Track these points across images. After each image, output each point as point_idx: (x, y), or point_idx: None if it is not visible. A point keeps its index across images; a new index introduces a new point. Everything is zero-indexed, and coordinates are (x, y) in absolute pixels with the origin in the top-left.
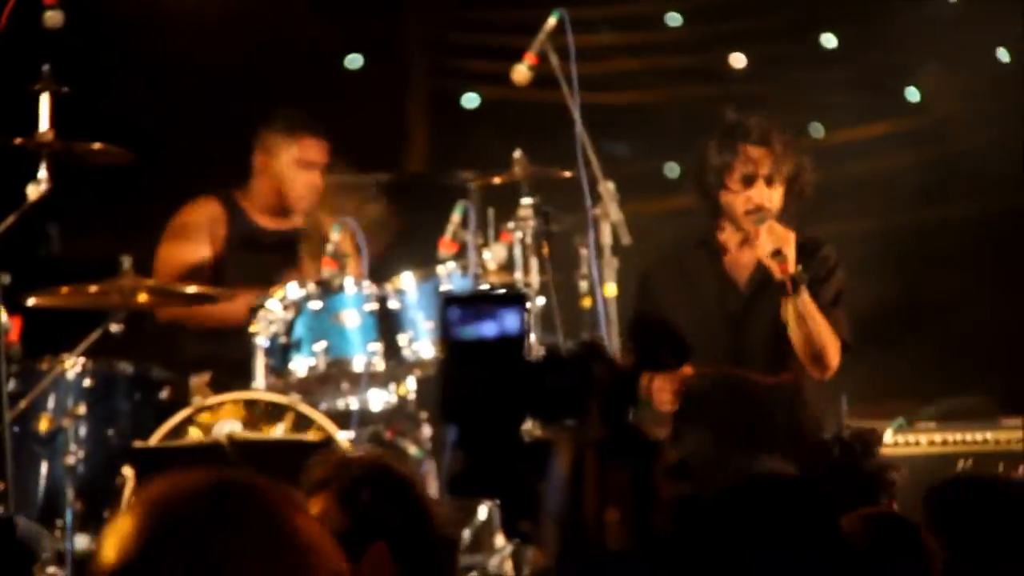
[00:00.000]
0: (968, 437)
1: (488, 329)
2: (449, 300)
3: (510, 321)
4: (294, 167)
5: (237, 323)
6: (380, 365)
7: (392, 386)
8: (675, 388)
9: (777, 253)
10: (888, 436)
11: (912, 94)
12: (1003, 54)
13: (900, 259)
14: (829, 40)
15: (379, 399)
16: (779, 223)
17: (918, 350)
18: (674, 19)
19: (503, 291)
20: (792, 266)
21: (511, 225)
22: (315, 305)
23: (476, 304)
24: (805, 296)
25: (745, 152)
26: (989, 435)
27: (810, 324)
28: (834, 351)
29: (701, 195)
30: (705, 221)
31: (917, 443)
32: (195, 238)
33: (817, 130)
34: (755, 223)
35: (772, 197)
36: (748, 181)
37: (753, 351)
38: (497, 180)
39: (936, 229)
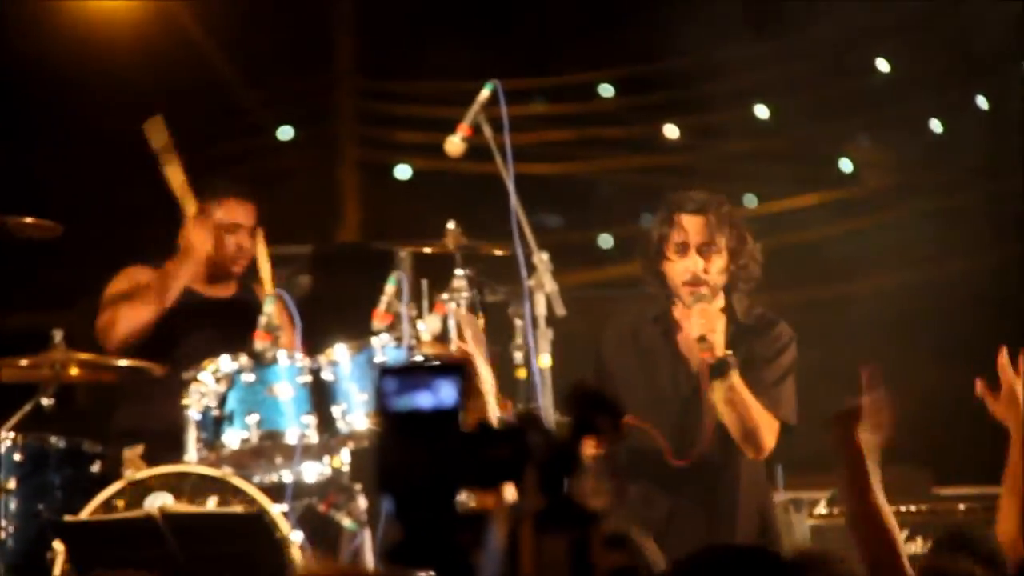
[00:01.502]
0: (902, 508)
1: (424, 400)
2: (385, 371)
3: (446, 392)
4: (220, 230)
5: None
6: (314, 437)
7: (326, 458)
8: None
9: (702, 339)
10: (822, 507)
11: (845, 164)
12: (936, 125)
13: (832, 328)
14: (762, 111)
15: (313, 471)
16: (726, 297)
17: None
18: (607, 90)
19: (439, 362)
20: (719, 350)
21: (445, 296)
22: (248, 377)
23: (412, 375)
24: (733, 381)
25: (680, 222)
26: (924, 506)
27: (739, 408)
28: (768, 432)
29: (646, 269)
30: (660, 297)
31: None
32: (133, 301)
33: (751, 200)
34: (691, 302)
35: (710, 269)
36: (682, 250)
37: (703, 431)
38: (430, 250)
39: (868, 298)
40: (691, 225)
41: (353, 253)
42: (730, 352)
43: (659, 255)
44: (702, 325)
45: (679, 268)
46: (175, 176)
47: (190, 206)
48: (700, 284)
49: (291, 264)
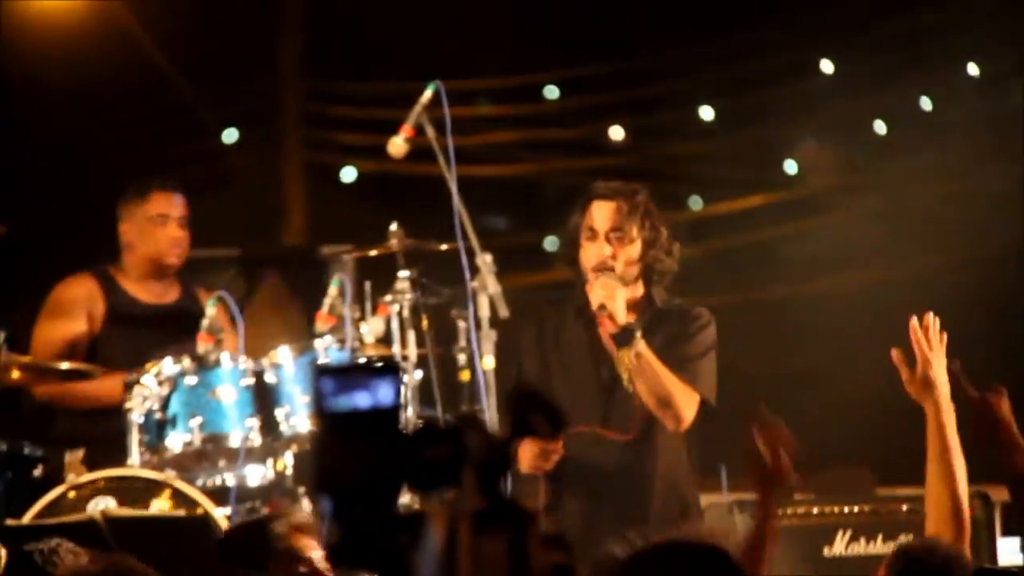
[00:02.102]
0: (846, 509)
1: (362, 400)
2: (322, 371)
3: (384, 392)
4: (150, 224)
5: (113, 402)
6: (257, 440)
7: (270, 461)
8: (537, 450)
9: (601, 308)
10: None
11: (790, 166)
12: (880, 126)
13: (776, 330)
14: (707, 112)
15: (256, 474)
16: (644, 286)
17: (795, 421)
18: (552, 91)
19: (377, 362)
20: (621, 316)
21: (388, 298)
22: (190, 380)
23: (349, 375)
24: (640, 348)
25: (591, 208)
26: (867, 507)
27: (649, 376)
28: (686, 404)
29: (564, 256)
30: (579, 288)
31: (795, 515)
32: (72, 315)
33: (696, 202)
34: (595, 279)
35: (618, 255)
36: (591, 235)
37: (624, 417)
38: (373, 253)
39: (811, 300)
40: (600, 211)
41: (297, 255)
42: (633, 320)
43: (574, 242)
44: (602, 296)
45: (589, 253)
46: None
47: None
48: (607, 269)
49: (227, 266)
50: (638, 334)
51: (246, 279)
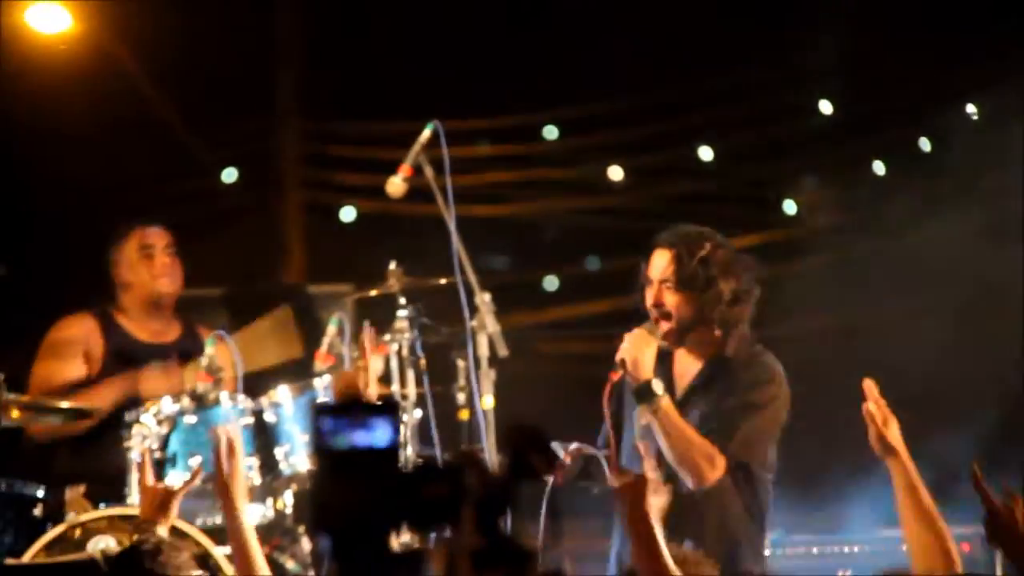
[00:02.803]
0: (847, 548)
1: (360, 438)
2: (321, 409)
3: (382, 430)
4: (138, 258)
5: (104, 413)
6: (256, 479)
7: (269, 500)
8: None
9: (621, 362)
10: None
11: (789, 206)
12: (879, 166)
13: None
14: (706, 152)
15: (256, 513)
16: (722, 332)
17: (794, 464)
18: (551, 131)
19: (375, 401)
20: (644, 374)
21: (387, 337)
22: (190, 419)
23: (348, 414)
24: (661, 405)
25: (652, 255)
26: (868, 547)
27: (669, 435)
28: (707, 462)
29: (638, 296)
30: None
31: (796, 554)
32: (70, 355)
33: None
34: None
35: (676, 302)
36: (648, 281)
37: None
38: (373, 292)
39: (809, 339)
40: (658, 259)
41: (296, 294)
42: (655, 379)
43: (641, 288)
44: (624, 349)
45: (646, 297)
46: None
47: None
48: (654, 317)
49: (223, 305)
50: (659, 392)
51: (231, 318)
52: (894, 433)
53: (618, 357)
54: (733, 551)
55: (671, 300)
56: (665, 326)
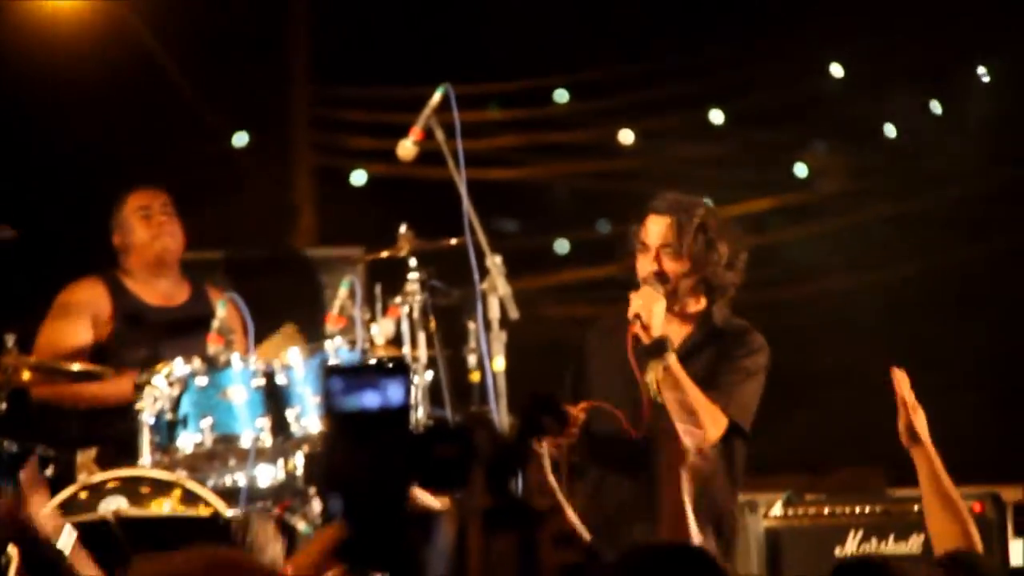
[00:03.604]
0: (857, 509)
1: (371, 399)
2: (331, 371)
3: (393, 391)
4: (137, 219)
5: (122, 402)
6: (268, 441)
7: (280, 462)
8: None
9: (635, 317)
10: (777, 509)
11: (800, 169)
12: (890, 130)
13: (786, 332)
14: (717, 116)
15: (267, 475)
16: (707, 302)
17: (807, 421)
18: (561, 95)
19: (387, 362)
20: (655, 331)
21: (398, 300)
22: (201, 381)
23: (359, 375)
24: (669, 362)
25: (647, 221)
26: (878, 507)
27: (675, 391)
28: (711, 422)
29: (624, 264)
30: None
31: (807, 515)
32: (79, 318)
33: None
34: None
35: (670, 270)
36: (644, 248)
37: (642, 407)
38: (384, 255)
39: (821, 301)
40: (654, 226)
41: (307, 257)
42: (666, 336)
43: (632, 251)
44: (638, 305)
45: (641, 265)
46: None
47: None
48: (652, 279)
49: (234, 268)
50: (669, 349)
51: (254, 281)
52: (921, 423)
53: (631, 312)
54: (719, 516)
55: (671, 266)
56: (655, 282)
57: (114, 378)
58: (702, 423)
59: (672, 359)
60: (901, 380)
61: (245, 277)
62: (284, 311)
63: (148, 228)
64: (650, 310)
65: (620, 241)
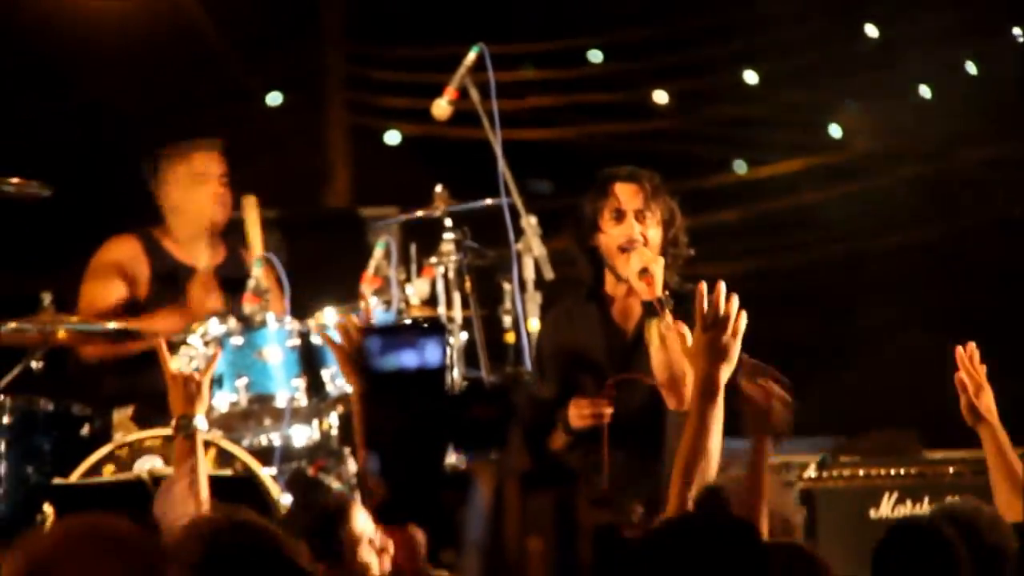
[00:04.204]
0: (892, 471)
1: (409, 359)
2: (369, 330)
3: (431, 351)
4: (190, 184)
5: (172, 335)
6: (303, 401)
7: (315, 422)
8: (593, 403)
9: (643, 271)
10: (812, 471)
11: (834, 130)
12: (925, 91)
13: (822, 293)
14: (751, 76)
15: (302, 435)
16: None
17: (841, 383)
18: (596, 56)
19: (423, 322)
20: (659, 288)
21: (433, 260)
22: (237, 341)
23: (396, 335)
24: (669, 320)
25: (614, 190)
26: (913, 469)
27: (669, 350)
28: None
29: (580, 245)
30: (590, 275)
31: (841, 477)
32: (115, 277)
33: (740, 166)
34: (631, 253)
35: (646, 233)
36: (619, 216)
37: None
38: (420, 214)
39: (857, 263)
40: (625, 192)
41: (343, 217)
42: (667, 292)
43: (593, 227)
44: (643, 261)
45: (615, 234)
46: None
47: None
48: (635, 243)
49: (273, 229)
50: (669, 307)
51: (289, 241)
52: (986, 402)
53: (639, 268)
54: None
55: (648, 231)
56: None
57: (159, 315)
58: (684, 388)
59: (669, 318)
60: (963, 359)
61: (283, 237)
62: (320, 271)
63: (205, 196)
64: (656, 264)
65: (576, 216)
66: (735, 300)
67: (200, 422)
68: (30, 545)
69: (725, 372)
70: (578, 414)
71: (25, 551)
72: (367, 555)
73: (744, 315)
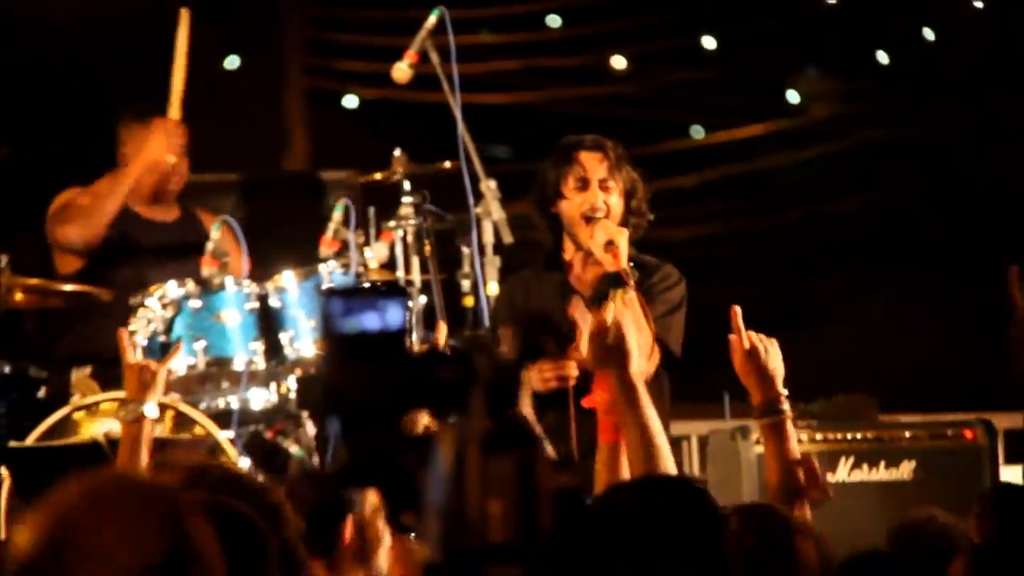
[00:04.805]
0: (849, 435)
1: (370, 321)
2: (331, 293)
3: (392, 314)
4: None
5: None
6: (261, 364)
7: (273, 385)
8: (557, 366)
9: (609, 243)
10: None
11: (792, 95)
12: (882, 56)
13: (780, 257)
14: (709, 42)
15: (260, 398)
16: None
17: (798, 348)
18: (554, 20)
19: (384, 285)
20: (624, 260)
21: (392, 224)
22: (195, 304)
23: (358, 297)
24: (632, 293)
25: (579, 158)
26: (869, 433)
27: (631, 320)
28: (653, 352)
29: (540, 212)
30: (549, 241)
31: (799, 441)
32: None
33: (697, 131)
34: (594, 223)
35: (609, 202)
36: (583, 184)
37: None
38: (378, 176)
39: (815, 228)
40: (590, 161)
41: (300, 180)
42: (632, 264)
43: (555, 194)
44: (608, 233)
45: (577, 202)
46: (178, 75)
47: (173, 111)
48: (598, 211)
49: (231, 191)
50: (634, 278)
51: (247, 204)
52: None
53: (604, 240)
54: None
55: (611, 200)
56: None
57: (109, 295)
58: (648, 354)
59: (632, 292)
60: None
61: (240, 200)
62: (278, 234)
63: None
64: (621, 237)
65: (537, 182)
66: (609, 306)
67: (149, 409)
68: (53, 505)
69: (637, 366)
70: (540, 377)
71: (48, 512)
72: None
73: (617, 307)
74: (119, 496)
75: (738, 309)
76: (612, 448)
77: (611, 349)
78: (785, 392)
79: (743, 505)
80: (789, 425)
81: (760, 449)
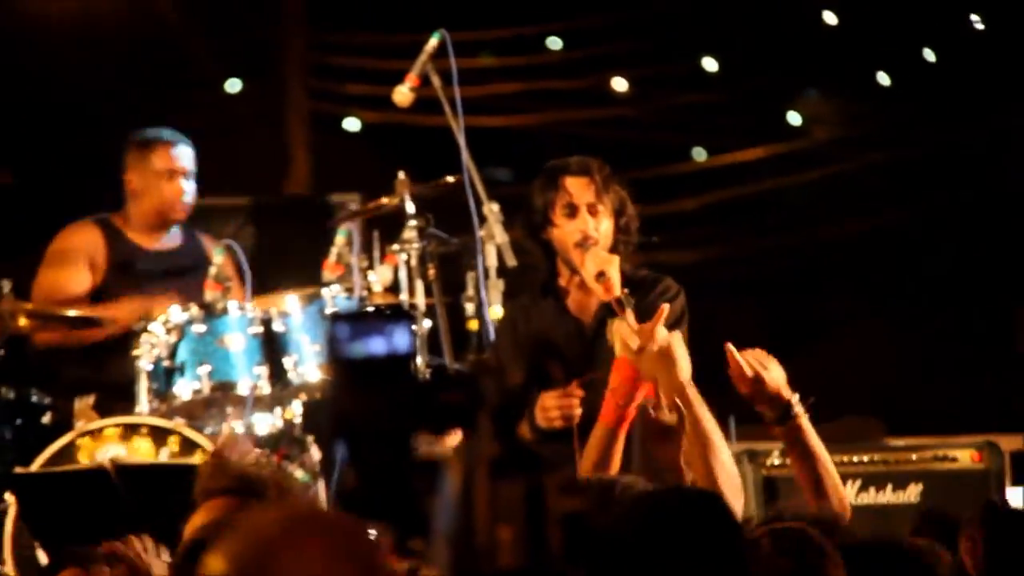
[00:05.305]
0: (855, 458)
1: (377, 346)
2: (336, 317)
3: (399, 338)
4: (156, 178)
5: (128, 327)
6: (265, 388)
7: (278, 410)
8: (562, 404)
9: (600, 275)
10: (775, 458)
11: (793, 118)
12: (883, 78)
13: (782, 280)
14: (710, 64)
15: (265, 423)
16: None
17: (801, 371)
18: (555, 43)
19: (389, 309)
20: (616, 289)
21: (396, 247)
22: (198, 328)
23: (364, 321)
24: (630, 318)
25: (565, 184)
26: (876, 456)
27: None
28: None
29: (532, 238)
30: (544, 268)
31: None
32: (74, 264)
33: (699, 154)
34: (586, 252)
35: (599, 227)
36: (571, 211)
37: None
38: (384, 201)
39: (818, 250)
40: (576, 187)
41: (304, 204)
42: (626, 291)
43: (545, 221)
44: (598, 263)
45: (568, 230)
46: None
47: None
48: (590, 239)
49: (234, 215)
50: (629, 305)
51: (254, 228)
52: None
53: (595, 272)
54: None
55: (602, 226)
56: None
57: (115, 305)
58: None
59: (631, 316)
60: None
61: (243, 225)
62: (281, 259)
63: (167, 192)
64: (610, 267)
65: (526, 208)
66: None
67: None
68: (251, 532)
69: (683, 371)
70: (544, 416)
71: (247, 538)
72: None
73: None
74: (315, 527)
75: (731, 346)
76: (608, 432)
77: (658, 358)
78: (795, 395)
79: (774, 526)
80: (806, 421)
81: (766, 472)
